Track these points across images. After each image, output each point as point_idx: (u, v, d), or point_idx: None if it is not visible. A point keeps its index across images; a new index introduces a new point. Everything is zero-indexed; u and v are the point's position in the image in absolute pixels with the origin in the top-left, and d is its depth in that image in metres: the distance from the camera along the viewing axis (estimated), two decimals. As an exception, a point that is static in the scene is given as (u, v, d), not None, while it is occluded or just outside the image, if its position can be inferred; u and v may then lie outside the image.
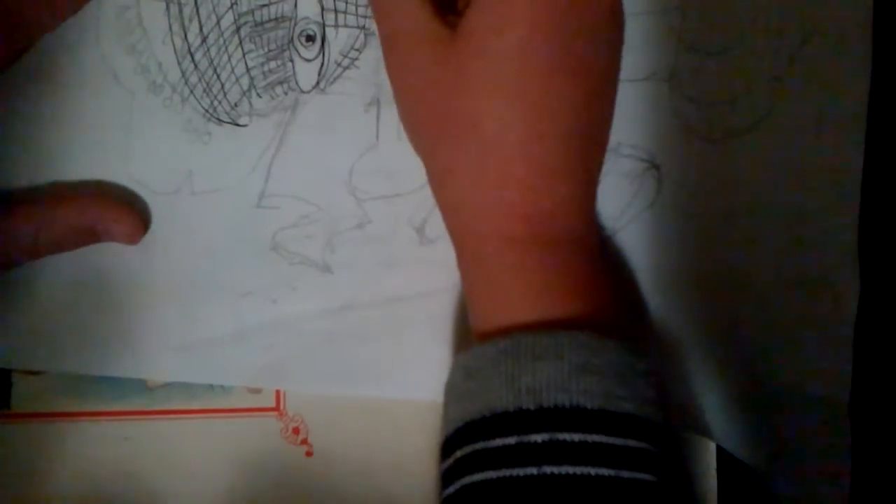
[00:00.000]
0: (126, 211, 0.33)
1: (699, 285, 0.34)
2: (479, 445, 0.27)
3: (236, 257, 0.34)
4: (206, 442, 0.34)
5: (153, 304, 0.34)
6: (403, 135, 0.34)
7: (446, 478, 0.28)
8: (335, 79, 0.34)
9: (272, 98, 0.34)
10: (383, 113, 0.34)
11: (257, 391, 0.35)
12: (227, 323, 0.34)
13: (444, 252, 0.34)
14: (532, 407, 0.26)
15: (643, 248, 0.34)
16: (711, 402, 0.34)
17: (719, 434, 0.34)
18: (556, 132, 0.29)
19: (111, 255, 0.34)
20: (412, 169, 0.34)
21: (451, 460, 0.28)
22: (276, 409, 0.35)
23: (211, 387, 0.35)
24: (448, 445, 0.28)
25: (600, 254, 0.31)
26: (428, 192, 0.34)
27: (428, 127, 0.31)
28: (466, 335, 0.33)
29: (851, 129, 0.34)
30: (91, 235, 0.33)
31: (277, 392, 0.35)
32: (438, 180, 0.31)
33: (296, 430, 0.35)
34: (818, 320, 0.34)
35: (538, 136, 0.29)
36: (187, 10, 0.33)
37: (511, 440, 0.26)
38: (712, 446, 0.34)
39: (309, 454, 0.35)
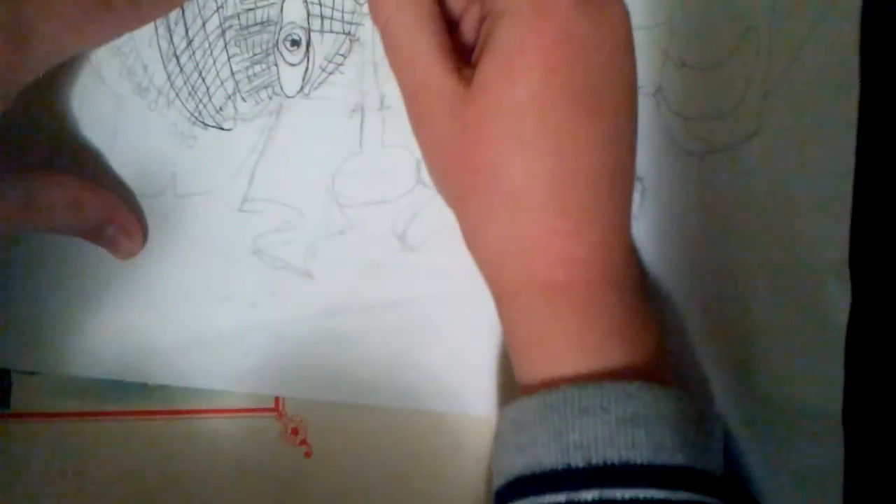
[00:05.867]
0: (140, 229, 0.33)
1: (684, 298, 0.34)
2: (530, 501, 0.26)
3: (217, 260, 0.34)
4: (205, 442, 0.35)
5: (132, 306, 0.34)
6: (387, 141, 0.34)
7: None
8: (319, 84, 0.34)
9: (257, 102, 0.34)
10: (367, 119, 0.34)
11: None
12: (205, 326, 0.34)
13: (425, 259, 0.34)
14: (581, 464, 0.26)
15: None
16: None
17: None
18: (581, 175, 0.28)
19: (90, 256, 0.34)
20: (395, 176, 0.34)
21: None
22: (276, 409, 0.35)
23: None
24: (500, 497, 0.28)
25: (643, 293, 0.30)
26: (411, 198, 0.35)
27: (454, 182, 0.30)
28: (445, 343, 0.34)
29: (842, 143, 0.33)
30: (94, 233, 0.33)
31: (276, 392, 0.35)
32: (471, 234, 0.31)
33: (295, 431, 0.35)
34: (808, 330, 0.33)
35: (564, 181, 0.28)
36: (173, 13, 0.33)
37: (561, 497, 0.26)
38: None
39: (308, 455, 0.35)
